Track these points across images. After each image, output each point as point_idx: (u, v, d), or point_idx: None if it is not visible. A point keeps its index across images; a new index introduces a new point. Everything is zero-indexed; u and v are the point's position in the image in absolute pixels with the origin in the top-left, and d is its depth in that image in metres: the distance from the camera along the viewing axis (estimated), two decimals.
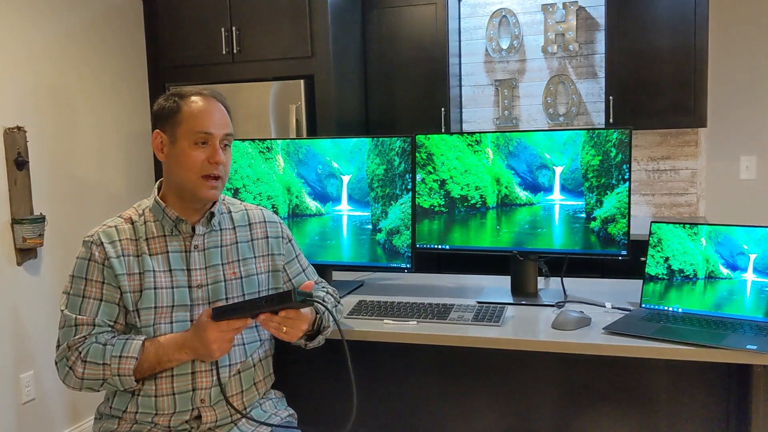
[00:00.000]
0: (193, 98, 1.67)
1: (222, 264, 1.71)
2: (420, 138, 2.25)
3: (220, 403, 1.66)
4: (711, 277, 1.94)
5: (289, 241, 1.87)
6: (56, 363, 1.62)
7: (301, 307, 1.60)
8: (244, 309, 1.55)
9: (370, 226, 2.25)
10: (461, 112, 4.23)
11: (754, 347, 1.65)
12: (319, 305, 1.75)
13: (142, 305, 1.62)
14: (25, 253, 3.06)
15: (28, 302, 3.10)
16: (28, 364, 3.10)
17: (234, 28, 3.59)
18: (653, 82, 3.59)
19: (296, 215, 2.31)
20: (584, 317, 1.90)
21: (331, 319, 1.79)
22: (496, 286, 2.33)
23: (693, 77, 3.53)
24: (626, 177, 2.05)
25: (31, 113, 3.10)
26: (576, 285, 2.30)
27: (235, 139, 2.31)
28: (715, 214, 3.86)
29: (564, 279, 2.23)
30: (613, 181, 2.07)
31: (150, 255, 1.65)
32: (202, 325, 1.55)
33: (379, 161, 2.22)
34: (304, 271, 1.89)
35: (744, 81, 3.79)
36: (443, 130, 3.89)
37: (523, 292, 2.21)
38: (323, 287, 1.93)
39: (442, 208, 2.25)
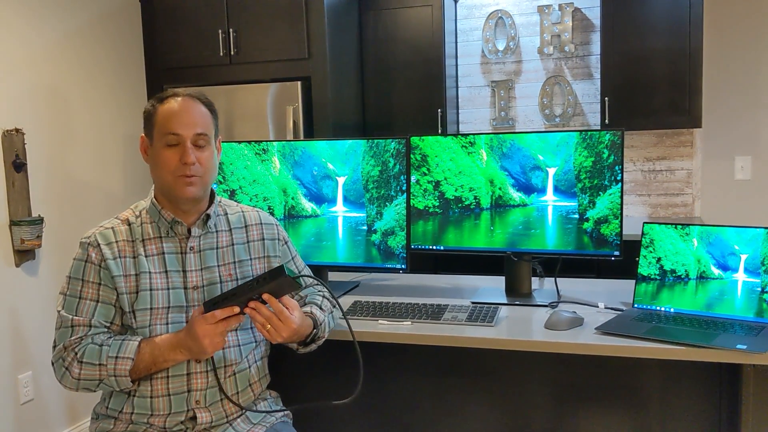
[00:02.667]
0: (169, 100, 1.68)
1: (218, 266, 1.72)
2: (414, 140, 2.26)
3: (215, 404, 1.67)
4: (702, 277, 1.96)
5: (285, 242, 1.88)
6: (53, 363, 1.64)
7: (293, 288, 1.60)
8: (234, 296, 1.55)
9: (365, 227, 2.27)
10: (458, 114, 4.25)
11: (744, 347, 1.66)
12: (318, 315, 1.77)
13: (138, 306, 1.63)
14: (23, 255, 3.07)
15: (26, 303, 3.11)
16: (26, 364, 3.11)
17: (231, 30, 3.61)
18: (648, 83, 3.60)
19: (292, 216, 2.32)
20: (577, 317, 1.92)
21: (327, 330, 1.81)
22: (491, 287, 2.34)
23: (688, 78, 3.54)
24: (618, 178, 2.07)
25: (28, 115, 3.12)
26: (570, 285, 2.31)
27: (231, 141, 2.34)
28: (711, 214, 3.88)
29: (558, 279, 2.24)
30: (606, 182, 2.08)
31: (146, 256, 1.67)
32: (192, 321, 1.57)
33: (374, 163, 2.24)
34: (300, 272, 1.90)
35: (739, 81, 3.81)
36: (440, 131, 3.90)
37: (517, 293, 2.23)
38: (319, 290, 1.94)
39: (437, 209, 2.26)
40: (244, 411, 1.73)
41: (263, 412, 1.75)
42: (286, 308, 1.60)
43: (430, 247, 2.29)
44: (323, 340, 1.81)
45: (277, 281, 1.53)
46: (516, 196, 2.19)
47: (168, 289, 1.66)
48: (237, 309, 1.56)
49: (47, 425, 3.23)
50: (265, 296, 1.56)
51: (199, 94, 1.72)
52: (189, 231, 1.72)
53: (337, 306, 1.90)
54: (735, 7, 3.78)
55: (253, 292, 1.54)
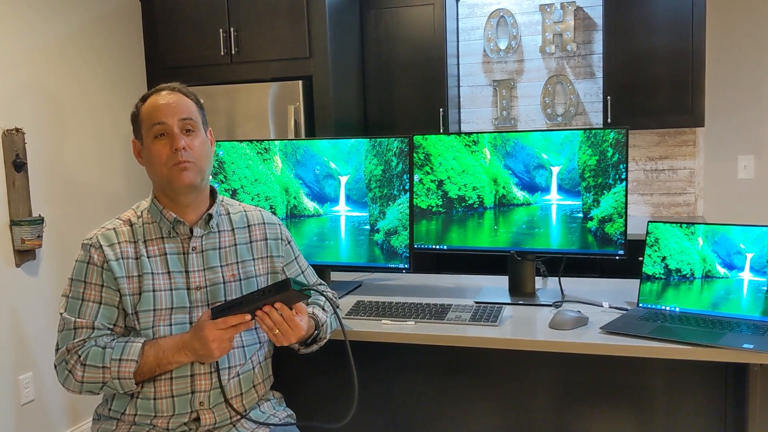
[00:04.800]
0: (151, 96, 1.69)
1: (221, 266, 1.71)
2: (417, 138, 2.25)
3: (219, 406, 1.66)
4: (708, 276, 1.94)
5: (288, 242, 1.87)
6: (55, 366, 1.63)
7: (300, 299, 1.60)
8: (241, 304, 1.54)
9: (368, 227, 2.25)
10: (459, 113, 4.24)
11: (751, 346, 1.65)
12: (321, 316, 1.76)
13: (141, 308, 1.62)
14: (24, 255, 3.06)
15: (26, 304, 3.10)
16: (27, 365, 3.10)
17: (232, 29, 3.59)
18: (651, 82, 3.59)
19: (294, 216, 2.31)
20: (581, 317, 1.91)
21: (329, 331, 1.80)
22: (494, 286, 2.33)
23: (691, 77, 3.53)
24: (623, 177, 2.05)
25: (29, 115, 3.11)
26: (574, 285, 2.30)
27: (233, 140, 2.33)
28: (714, 213, 3.87)
29: (562, 279, 2.23)
30: (610, 181, 2.07)
31: (148, 257, 1.66)
32: (201, 325, 1.56)
33: (377, 162, 2.23)
34: (303, 272, 1.89)
35: (742, 80, 3.80)
36: (441, 130, 3.89)
37: (521, 292, 2.22)
38: (323, 290, 1.92)
39: (440, 209, 2.25)
40: (247, 413, 1.71)
41: (259, 423, 1.73)
42: (297, 313, 1.60)
43: (434, 246, 2.28)
44: (325, 341, 1.80)
45: (284, 294, 1.53)
46: (520, 195, 2.18)
47: (171, 290, 1.65)
48: (248, 317, 1.55)
49: (48, 426, 3.21)
50: (278, 304, 1.56)
51: (180, 87, 1.71)
52: (191, 231, 1.70)
53: (338, 310, 1.89)
54: (738, 5, 3.77)
55: (259, 303, 1.54)
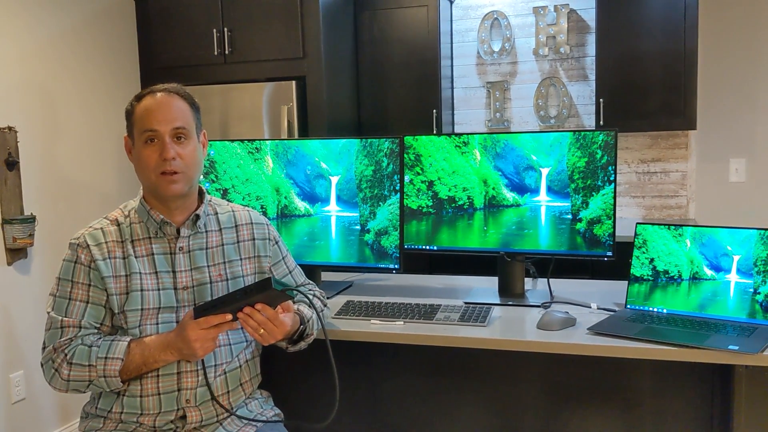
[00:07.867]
0: (146, 97, 1.67)
1: (208, 266, 1.71)
2: (408, 139, 2.26)
3: (205, 404, 1.66)
4: (695, 278, 1.95)
5: (276, 242, 1.87)
6: (42, 365, 1.63)
7: (283, 300, 1.60)
8: (223, 304, 1.54)
9: (358, 227, 2.26)
10: (453, 114, 4.24)
11: (736, 348, 1.66)
12: (306, 312, 1.77)
13: (129, 307, 1.62)
14: (15, 253, 3.06)
15: (18, 302, 3.09)
16: (17, 363, 3.09)
17: (226, 29, 3.60)
18: (643, 85, 3.60)
19: (285, 216, 2.32)
20: (569, 318, 1.91)
21: (315, 327, 1.80)
22: (484, 287, 2.34)
23: (683, 80, 3.55)
24: (612, 179, 2.06)
25: (22, 113, 3.11)
26: (563, 286, 2.31)
27: (225, 140, 2.33)
28: (705, 216, 3.88)
29: (551, 280, 2.24)
30: (599, 183, 2.08)
31: (136, 257, 1.66)
32: (184, 324, 1.56)
33: (368, 162, 2.23)
34: (291, 272, 1.89)
35: (734, 83, 3.82)
36: (435, 131, 3.90)
37: (511, 293, 2.22)
38: (310, 289, 1.93)
39: (430, 209, 2.26)
40: (232, 412, 1.71)
41: (246, 419, 1.73)
42: (282, 311, 1.61)
43: (424, 247, 2.28)
44: (312, 338, 1.80)
45: (265, 294, 1.53)
46: (509, 196, 2.18)
47: (158, 289, 1.65)
48: (230, 317, 1.55)
49: (39, 425, 3.21)
50: (259, 305, 1.56)
51: (177, 89, 1.70)
52: (178, 231, 1.70)
53: (323, 308, 1.90)
54: (730, 9, 3.79)
55: (241, 302, 1.54)
